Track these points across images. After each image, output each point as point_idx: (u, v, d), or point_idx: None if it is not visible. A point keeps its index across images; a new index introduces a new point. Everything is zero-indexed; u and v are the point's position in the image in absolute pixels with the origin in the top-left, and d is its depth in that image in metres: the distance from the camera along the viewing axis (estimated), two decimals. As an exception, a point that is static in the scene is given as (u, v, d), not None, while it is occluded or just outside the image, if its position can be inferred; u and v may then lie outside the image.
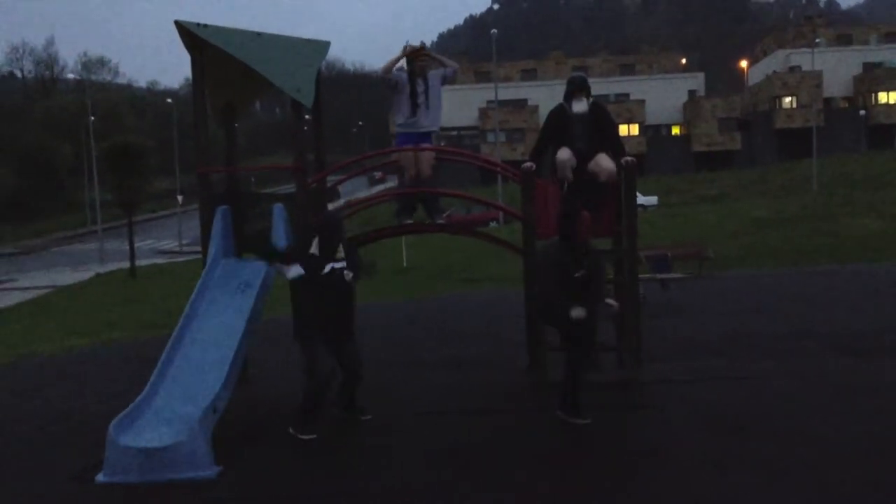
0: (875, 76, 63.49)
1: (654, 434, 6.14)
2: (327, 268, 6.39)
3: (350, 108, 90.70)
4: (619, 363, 7.99)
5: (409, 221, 8.51)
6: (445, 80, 8.42)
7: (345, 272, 6.43)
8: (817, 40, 61.71)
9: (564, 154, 7.58)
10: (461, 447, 6.04)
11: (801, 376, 7.51)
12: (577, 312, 6.01)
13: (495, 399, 7.40)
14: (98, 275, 30.05)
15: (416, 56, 8.26)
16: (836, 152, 53.49)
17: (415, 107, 8.21)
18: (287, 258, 6.61)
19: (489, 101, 58.82)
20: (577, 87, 7.63)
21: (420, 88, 8.21)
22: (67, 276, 31.66)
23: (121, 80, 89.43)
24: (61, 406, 8.04)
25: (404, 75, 8.24)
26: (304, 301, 6.41)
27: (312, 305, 6.37)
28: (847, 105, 64.89)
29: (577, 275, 6.12)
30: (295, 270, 6.38)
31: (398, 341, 10.62)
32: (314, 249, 6.45)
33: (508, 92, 64.18)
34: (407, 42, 8.62)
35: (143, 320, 15.16)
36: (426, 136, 8.36)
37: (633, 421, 6.56)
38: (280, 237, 7.31)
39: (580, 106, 7.60)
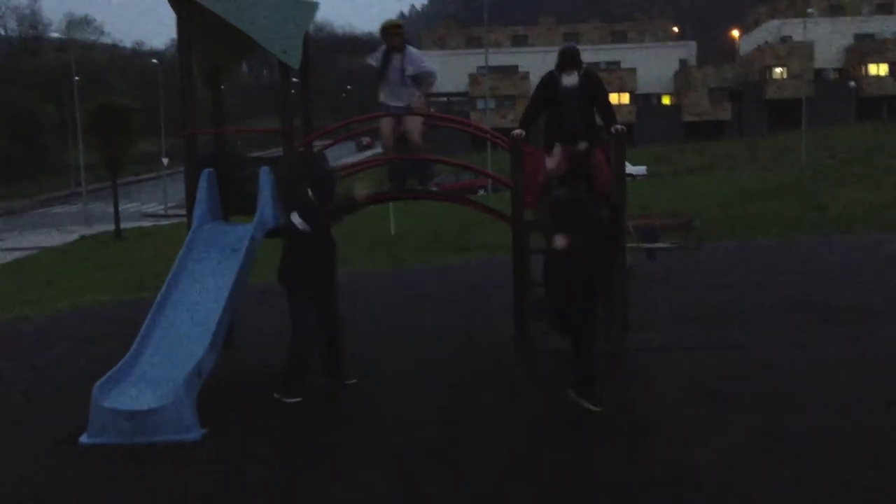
0: (866, 47, 63.35)
1: (640, 403, 6.17)
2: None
3: (338, 73, 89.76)
4: (604, 333, 8.00)
5: (407, 185, 8.42)
6: (423, 77, 8.12)
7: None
8: (809, 10, 61.39)
9: (551, 163, 7.47)
10: (447, 414, 6.06)
11: (788, 347, 7.55)
12: (561, 241, 5.64)
13: (482, 367, 7.41)
14: (83, 237, 29.82)
15: (391, 29, 8.07)
16: (825, 124, 53.53)
17: (387, 82, 8.08)
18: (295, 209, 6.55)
19: (479, 68, 58.36)
20: (567, 61, 7.52)
21: (395, 64, 8.05)
22: (52, 238, 31.40)
23: (105, 40, 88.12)
24: (45, 368, 8.01)
25: (380, 53, 8.11)
26: (301, 252, 6.40)
27: (308, 256, 6.39)
28: (838, 76, 64.81)
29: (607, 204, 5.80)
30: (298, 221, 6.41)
31: (385, 310, 10.60)
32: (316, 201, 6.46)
33: (499, 58, 63.64)
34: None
35: (128, 283, 15.08)
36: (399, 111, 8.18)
37: (619, 390, 6.58)
38: (267, 200, 7.24)
39: (570, 80, 7.50)
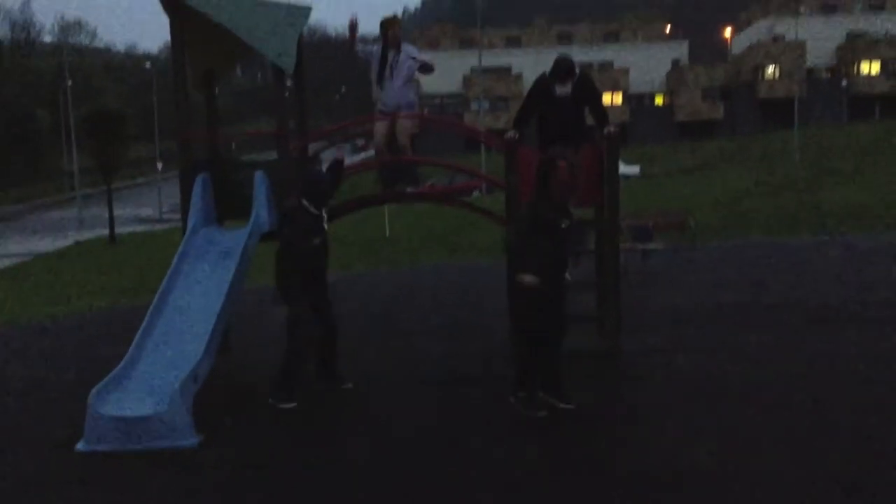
0: (858, 46, 63.50)
1: (634, 403, 6.19)
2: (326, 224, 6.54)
3: (333, 75, 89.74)
4: (599, 333, 8.03)
5: (398, 189, 8.45)
6: (418, 66, 8.21)
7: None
8: (801, 9, 61.57)
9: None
10: (443, 416, 6.07)
11: (781, 346, 7.58)
12: (529, 279, 5.68)
13: (477, 369, 7.42)
14: (77, 242, 29.78)
15: (389, 25, 8.16)
16: (817, 122, 53.67)
17: (382, 79, 8.14)
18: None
19: (473, 69, 58.36)
20: (562, 72, 7.55)
21: (391, 59, 8.11)
22: (46, 244, 31.33)
23: (98, 44, 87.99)
24: (41, 374, 7.99)
25: (377, 47, 8.16)
26: (299, 258, 6.42)
27: (305, 262, 6.42)
28: (830, 75, 64.95)
29: (562, 225, 5.84)
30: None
31: (380, 311, 10.61)
32: (311, 209, 6.49)
33: (492, 59, 63.63)
34: (353, 15, 8.52)
35: (122, 288, 15.06)
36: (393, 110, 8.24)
37: (613, 390, 6.61)
38: (262, 204, 7.24)
39: (564, 89, 7.56)
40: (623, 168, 33.01)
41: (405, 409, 6.26)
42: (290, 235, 6.50)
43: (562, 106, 7.49)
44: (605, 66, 64.81)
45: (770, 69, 63.14)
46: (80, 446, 5.61)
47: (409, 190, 8.40)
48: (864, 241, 15.18)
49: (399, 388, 6.86)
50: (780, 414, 5.68)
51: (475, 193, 34.20)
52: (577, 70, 7.65)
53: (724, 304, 9.68)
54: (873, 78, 62.62)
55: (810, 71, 63.83)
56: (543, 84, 7.64)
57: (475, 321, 9.50)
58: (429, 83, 50.48)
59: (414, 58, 8.17)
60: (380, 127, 8.31)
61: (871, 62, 62.54)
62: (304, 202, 6.51)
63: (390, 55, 8.13)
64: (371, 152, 9.23)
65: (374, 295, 11.91)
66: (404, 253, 17.72)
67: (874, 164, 31.51)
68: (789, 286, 10.69)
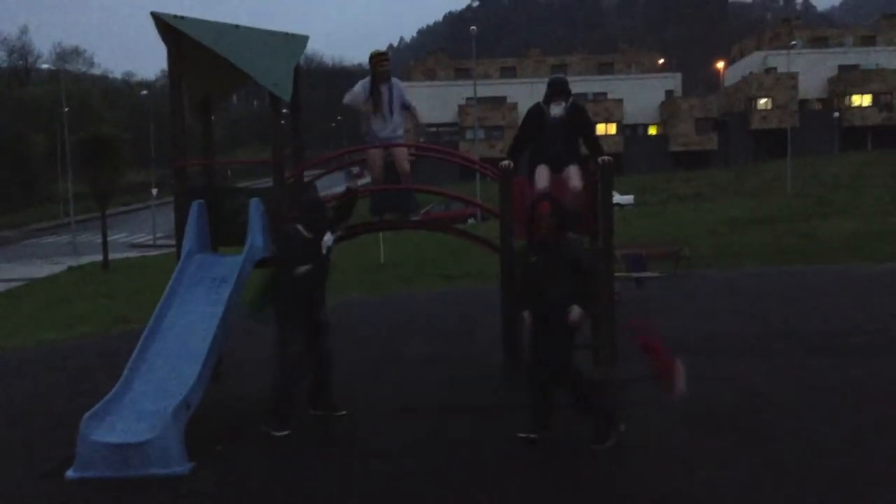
0: (849, 78, 64.23)
1: (628, 431, 6.17)
2: (324, 248, 6.52)
3: (328, 103, 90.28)
4: (594, 361, 8.02)
5: (388, 218, 8.50)
6: (412, 110, 8.50)
7: (324, 241, 6.53)
8: (793, 42, 62.28)
9: (540, 183, 7.58)
10: (436, 444, 6.04)
11: (775, 375, 7.59)
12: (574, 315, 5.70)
13: (470, 396, 7.41)
14: (71, 268, 29.68)
15: (378, 61, 8.25)
16: (809, 153, 54.08)
17: (377, 114, 8.22)
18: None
19: (468, 98, 58.77)
20: (556, 91, 7.61)
21: (384, 96, 8.22)
22: (40, 269, 31.23)
23: (95, 71, 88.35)
24: (32, 400, 7.94)
25: (365, 87, 8.25)
26: (292, 281, 6.40)
27: (298, 284, 6.39)
28: (822, 107, 65.60)
29: (532, 260, 5.91)
30: (329, 239, 6.54)
31: (374, 337, 10.60)
32: (306, 233, 6.50)
33: (487, 89, 64.16)
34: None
35: (116, 314, 15.00)
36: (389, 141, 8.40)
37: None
38: (257, 231, 7.25)
39: (558, 110, 7.59)
40: (617, 197, 33.30)
41: (399, 438, 6.23)
42: (281, 258, 6.51)
43: (554, 128, 7.55)
44: (600, 97, 65.36)
45: (763, 101, 63.76)
46: (70, 473, 5.56)
47: (413, 218, 8.46)
48: (858, 270, 15.25)
49: (393, 416, 6.83)
50: (772, 443, 5.68)
51: (470, 221, 34.32)
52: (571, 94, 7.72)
53: (717, 333, 9.69)
54: (866, 109, 63.27)
55: (802, 103, 64.48)
56: (537, 109, 7.71)
57: (469, 349, 9.49)
58: (425, 112, 50.84)
59: (408, 107, 8.41)
60: (376, 158, 8.37)
61: (863, 95, 63.22)
62: (299, 226, 6.54)
63: (383, 89, 8.23)
64: (366, 179, 9.28)
65: (368, 321, 11.90)
66: (399, 279, 17.71)
67: (866, 194, 31.70)
68: (782, 315, 10.72)
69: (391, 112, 8.30)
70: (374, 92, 8.26)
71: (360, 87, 8.37)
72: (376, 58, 8.30)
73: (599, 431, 5.76)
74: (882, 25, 72.22)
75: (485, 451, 5.81)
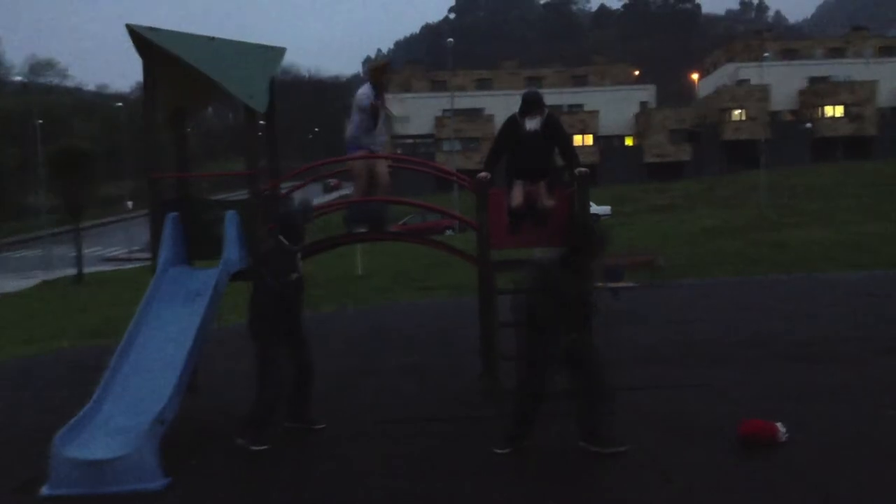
0: (820, 90, 65.25)
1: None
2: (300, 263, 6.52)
3: (305, 115, 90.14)
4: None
5: (363, 230, 8.49)
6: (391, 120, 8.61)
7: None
8: (765, 54, 63.18)
9: (515, 199, 7.66)
10: (416, 456, 6.02)
11: (751, 383, 7.65)
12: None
13: (449, 407, 7.40)
14: (44, 282, 29.33)
15: (382, 72, 8.31)
16: (781, 164, 54.83)
17: (376, 122, 8.26)
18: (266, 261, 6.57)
19: (445, 110, 59.02)
20: (530, 107, 7.65)
21: (380, 105, 8.27)
22: (11, 283, 30.82)
23: (69, 83, 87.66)
24: (3, 417, 7.82)
25: (370, 95, 8.26)
26: (274, 295, 6.36)
27: (280, 298, 6.36)
28: (793, 118, 66.56)
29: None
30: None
31: (352, 349, 10.56)
32: (287, 244, 6.48)
33: (464, 101, 64.51)
34: (367, 59, 8.74)
35: (89, 329, 14.82)
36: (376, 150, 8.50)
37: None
38: (232, 244, 7.21)
39: (533, 124, 7.64)
40: (594, 208, 33.50)
41: (377, 451, 6.20)
42: (267, 271, 6.45)
43: (530, 140, 7.60)
44: (575, 109, 65.89)
45: (735, 112, 64.59)
46: (45, 490, 5.48)
47: (386, 229, 8.48)
48: (830, 278, 15.45)
49: (371, 429, 6.80)
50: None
51: (448, 232, 34.38)
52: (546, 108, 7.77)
53: (692, 342, 9.77)
54: (837, 120, 64.26)
55: (774, 114, 65.39)
56: (513, 121, 7.75)
57: (447, 360, 9.48)
58: (401, 124, 51.01)
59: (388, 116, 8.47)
60: (361, 170, 8.36)
61: (834, 106, 64.22)
62: (281, 238, 6.51)
63: (380, 99, 8.27)
64: (343, 191, 9.23)
65: (345, 334, 11.85)
66: (376, 291, 17.67)
67: (838, 204, 32.16)
68: (757, 323, 10.82)
69: (383, 124, 8.36)
70: (374, 105, 8.29)
71: (368, 89, 8.37)
72: (380, 69, 8.35)
73: (598, 431, 5.82)
74: (852, 37, 73.57)
75: (464, 463, 5.80)
